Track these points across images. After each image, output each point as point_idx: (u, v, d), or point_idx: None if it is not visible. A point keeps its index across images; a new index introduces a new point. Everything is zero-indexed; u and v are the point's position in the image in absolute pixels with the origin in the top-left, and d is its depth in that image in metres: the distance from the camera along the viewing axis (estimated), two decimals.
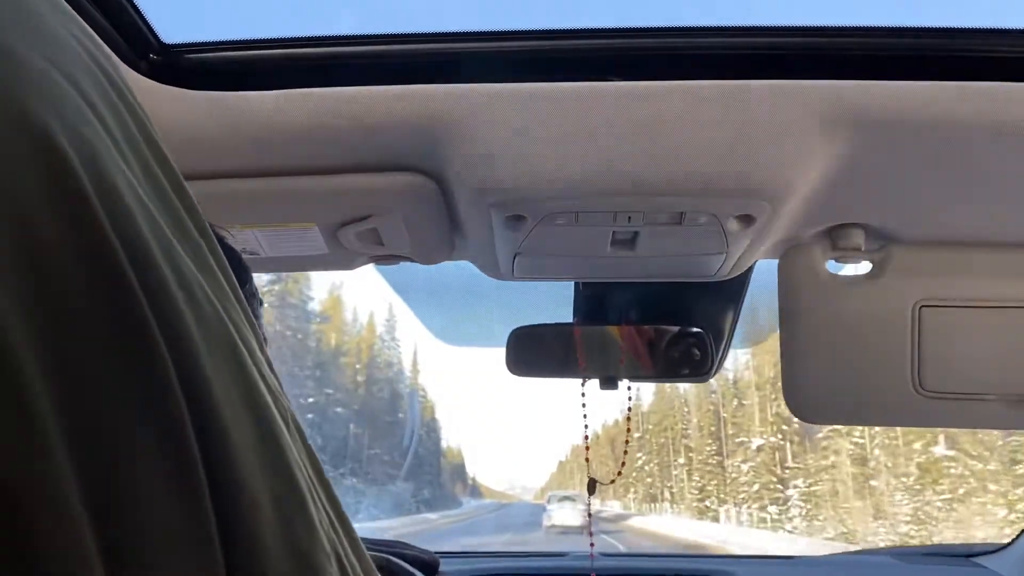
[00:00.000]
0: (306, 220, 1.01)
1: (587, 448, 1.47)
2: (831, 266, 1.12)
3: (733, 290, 1.39)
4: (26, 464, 0.22)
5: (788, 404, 1.14)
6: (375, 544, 1.90)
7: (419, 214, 1.00)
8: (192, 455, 0.26)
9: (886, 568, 2.13)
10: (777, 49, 0.86)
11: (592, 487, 1.45)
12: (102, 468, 0.24)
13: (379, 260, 1.17)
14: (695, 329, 1.45)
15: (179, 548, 0.26)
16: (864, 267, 1.12)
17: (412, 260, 1.17)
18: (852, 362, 1.12)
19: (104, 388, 0.24)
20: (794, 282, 1.12)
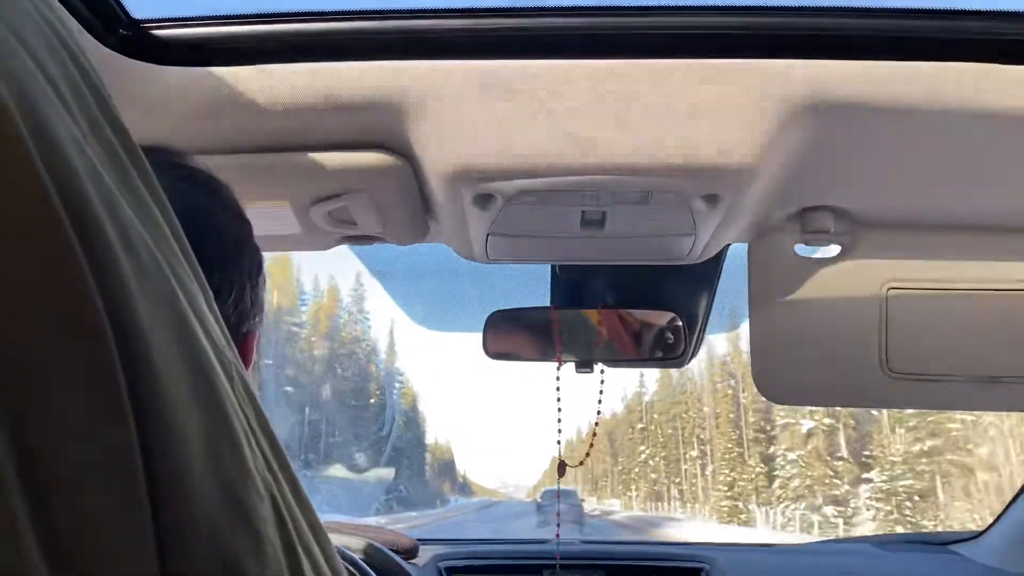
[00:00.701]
0: (278, 198, 1.01)
1: (559, 431, 1.48)
2: (800, 249, 1.13)
3: (707, 275, 1.41)
4: None
5: (757, 385, 1.15)
6: (354, 528, 1.91)
7: (390, 193, 1.00)
8: (118, 388, 0.27)
9: (866, 556, 2.15)
10: (745, 29, 0.87)
11: (562, 469, 1.46)
12: (20, 393, 0.24)
13: (353, 240, 1.17)
14: (670, 314, 1.46)
15: (100, 469, 0.26)
16: (833, 250, 1.13)
17: (386, 241, 1.17)
18: (820, 344, 1.13)
19: (29, 316, 0.25)
20: (764, 265, 1.13)
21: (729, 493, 45.14)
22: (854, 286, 1.11)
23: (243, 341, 0.72)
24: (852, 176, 1.01)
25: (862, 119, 0.87)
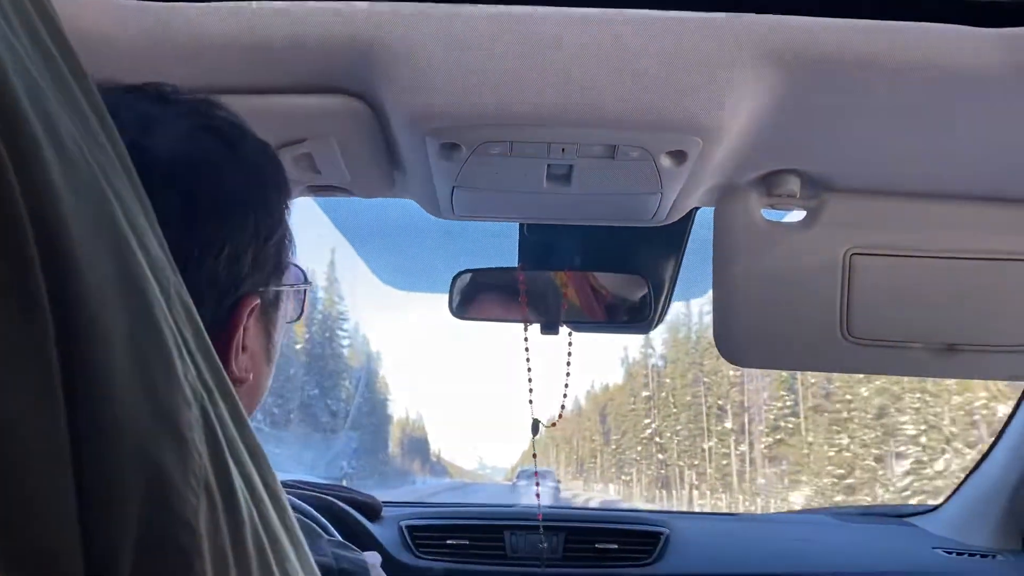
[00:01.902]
0: None
1: (530, 391, 1.48)
2: (766, 213, 1.13)
3: (674, 239, 1.41)
4: None
5: (719, 347, 1.16)
6: (316, 487, 1.91)
7: (355, 140, 0.99)
8: (32, 275, 0.26)
9: (824, 526, 2.19)
10: None
11: (535, 428, 1.47)
12: None
13: (317, 191, 1.16)
14: (638, 278, 1.46)
15: (10, 363, 0.26)
16: (799, 215, 1.14)
17: (351, 193, 1.16)
18: (782, 308, 1.14)
19: None
20: (729, 228, 1.13)
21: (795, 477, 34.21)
22: (818, 251, 1.12)
23: (235, 304, 0.67)
24: (819, 140, 1.01)
25: (831, 78, 0.87)
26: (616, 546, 1.87)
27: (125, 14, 0.84)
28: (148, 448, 0.30)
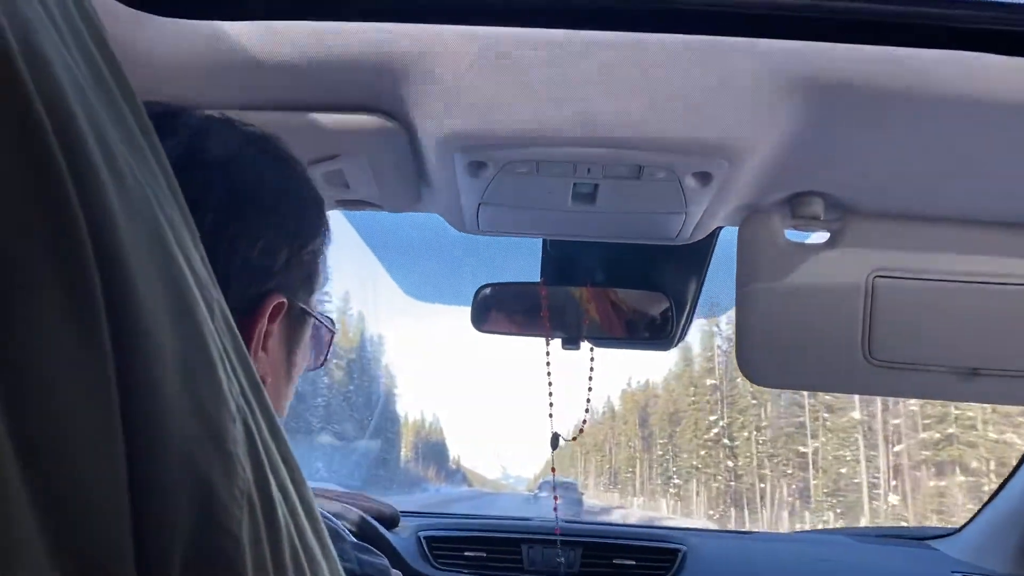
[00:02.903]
0: None
1: (551, 405, 1.49)
2: (790, 234, 1.14)
3: (697, 257, 1.41)
4: None
5: (740, 367, 1.16)
6: (335, 495, 1.92)
7: (385, 157, 1.01)
8: (94, 295, 0.28)
9: (842, 547, 2.17)
10: (743, 7, 0.87)
11: (555, 442, 1.47)
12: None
13: (346, 205, 1.17)
14: (660, 295, 1.47)
15: (72, 383, 0.27)
16: (822, 236, 1.14)
17: (379, 207, 1.18)
18: (805, 329, 1.14)
19: (9, 222, 0.26)
20: (752, 248, 1.13)
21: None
22: (841, 273, 1.12)
23: (261, 297, 0.70)
24: (844, 163, 1.01)
25: (857, 104, 0.88)
26: (633, 562, 1.86)
27: (163, 32, 0.86)
28: (197, 463, 0.31)
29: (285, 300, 0.71)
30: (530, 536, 1.88)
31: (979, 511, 2.09)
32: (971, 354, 1.13)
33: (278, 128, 0.94)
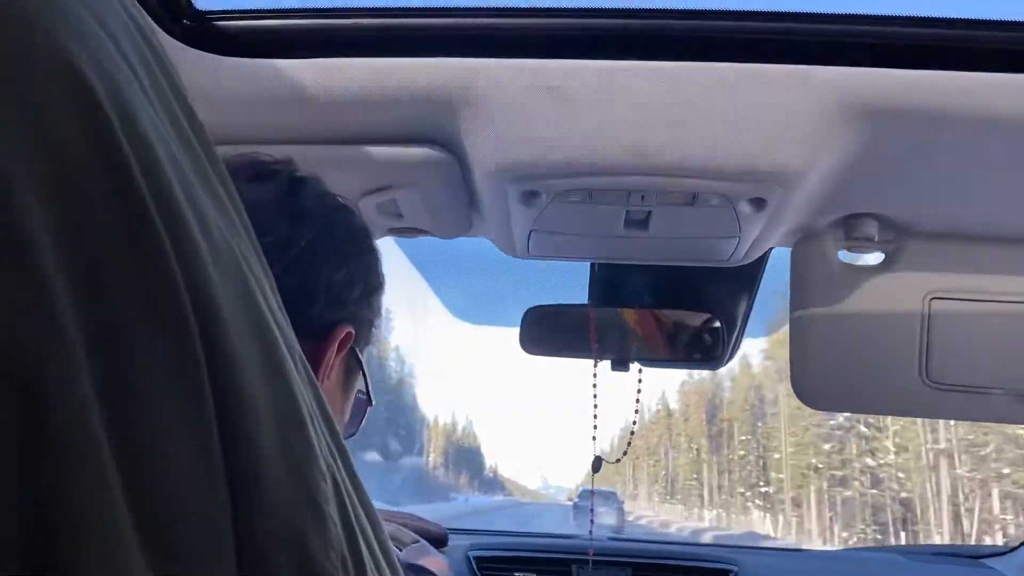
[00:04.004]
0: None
1: (595, 427, 1.49)
2: (843, 255, 1.13)
3: (748, 277, 1.41)
4: (44, 351, 0.24)
5: (795, 390, 1.15)
6: (385, 515, 1.93)
7: (437, 188, 1.02)
8: (198, 364, 0.28)
9: (894, 566, 2.13)
10: (795, 35, 0.87)
11: (597, 465, 1.47)
12: (110, 360, 0.26)
13: (399, 232, 1.19)
14: (709, 315, 1.46)
15: (180, 444, 0.28)
16: (876, 257, 1.13)
17: (430, 234, 1.19)
18: (860, 351, 1.13)
19: (116, 290, 0.27)
20: (806, 270, 1.13)
21: None
22: (896, 295, 1.11)
23: (335, 324, 0.74)
24: (899, 184, 1.00)
25: (912, 128, 0.87)
26: None
27: (225, 72, 0.88)
28: (293, 522, 0.32)
29: (352, 331, 0.75)
30: (580, 556, 1.87)
31: None
32: None
33: (334, 161, 0.96)
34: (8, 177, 0.24)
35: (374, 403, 0.86)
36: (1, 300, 0.23)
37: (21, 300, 0.24)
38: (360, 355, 0.79)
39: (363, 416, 0.86)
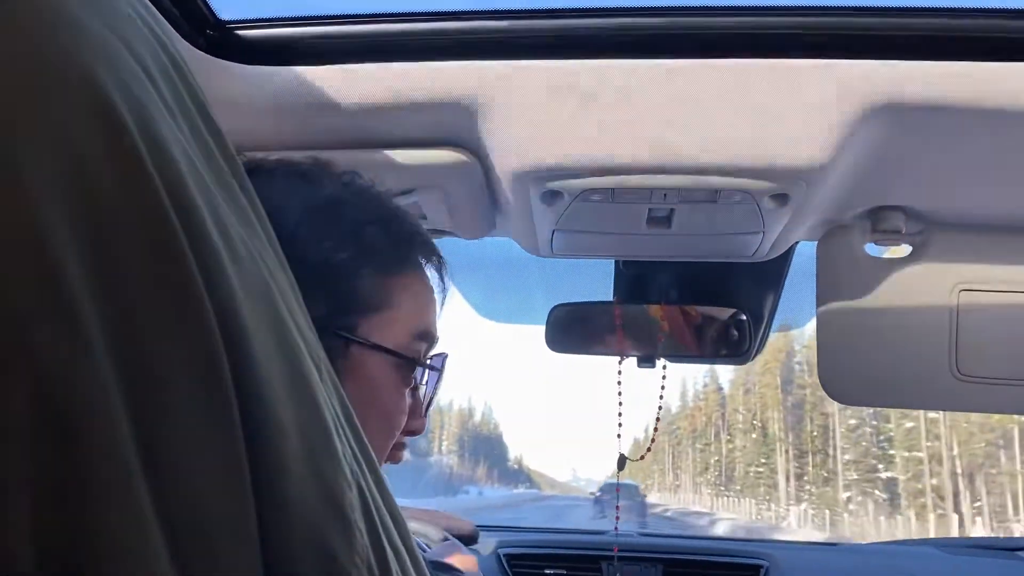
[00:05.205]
0: None
1: (620, 424, 1.49)
2: (870, 248, 1.12)
3: (773, 272, 1.40)
4: (74, 373, 0.25)
5: (823, 384, 1.14)
6: (414, 513, 1.94)
7: (460, 189, 1.02)
8: (224, 380, 0.29)
9: (930, 558, 2.11)
10: (817, 29, 0.86)
11: (622, 463, 1.47)
12: (140, 381, 0.27)
13: None
14: (735, 310, 1.46)
15: (208, 460, 0.28)
16: (904, 250, 1.12)
17: (454, 235, 1.19)
18: (889, 345, 1.12)
19: (144, 310, 0.27)
20: (833, 264, 1.12)
21: None
22: (925, 287, 1.10)
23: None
24: (925, 176, 0.99)
25: (937, 120, 0.86)
26: None
27: (247, 80, 0.89)
28: (320, 531, 0.32)
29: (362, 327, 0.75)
30: (609, 553, 1.87)
31: None
32: None
33: (357, 165, 0.96)
34: (44, 225, 0.25)
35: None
36: (38, 342, 0.24)
37: (58, 340, 0.25)
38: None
39: None
